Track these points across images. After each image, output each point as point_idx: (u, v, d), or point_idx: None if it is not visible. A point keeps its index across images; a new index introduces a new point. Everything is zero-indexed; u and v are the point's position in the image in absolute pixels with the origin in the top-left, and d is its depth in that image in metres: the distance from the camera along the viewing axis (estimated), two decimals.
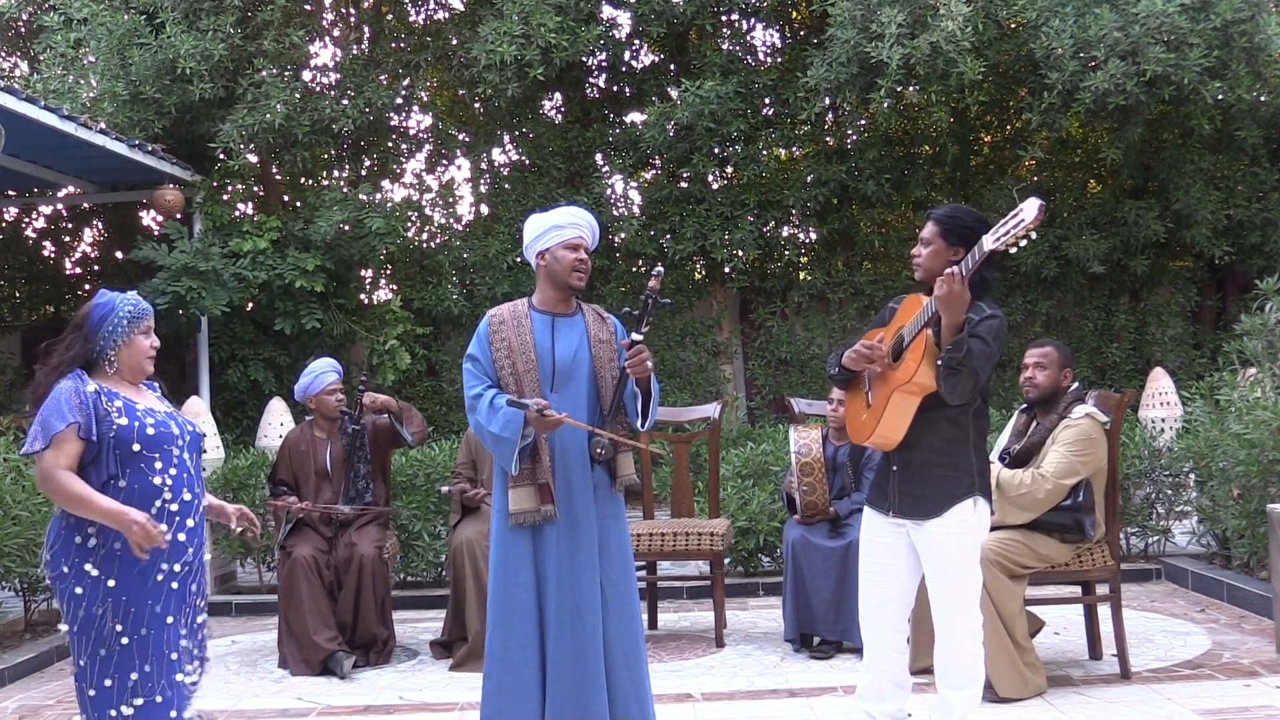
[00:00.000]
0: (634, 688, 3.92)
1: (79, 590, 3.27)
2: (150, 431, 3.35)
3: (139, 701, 3.26)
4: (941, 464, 3.69)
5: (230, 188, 10.87)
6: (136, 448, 3.31)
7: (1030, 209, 3.28)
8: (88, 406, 3.27)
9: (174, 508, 3.36)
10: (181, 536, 3.38)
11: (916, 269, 3.75)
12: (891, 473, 3.78)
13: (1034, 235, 3.34)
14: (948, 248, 3.66)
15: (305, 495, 5.91)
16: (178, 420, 3.48)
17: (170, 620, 3.33)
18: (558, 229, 4.00)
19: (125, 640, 3.26)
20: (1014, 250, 3.39)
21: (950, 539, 3.69)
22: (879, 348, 3.67)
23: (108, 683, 3.25)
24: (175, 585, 3.36)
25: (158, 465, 3.35)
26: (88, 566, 3.26)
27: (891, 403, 3.65)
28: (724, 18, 11.62)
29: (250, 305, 10.54)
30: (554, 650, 3.85)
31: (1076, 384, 4.93)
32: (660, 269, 4.12)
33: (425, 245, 11.71)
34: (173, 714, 3.30)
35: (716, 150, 11.28)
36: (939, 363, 3.52)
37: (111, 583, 3.26)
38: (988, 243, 3.41)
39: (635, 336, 3.93)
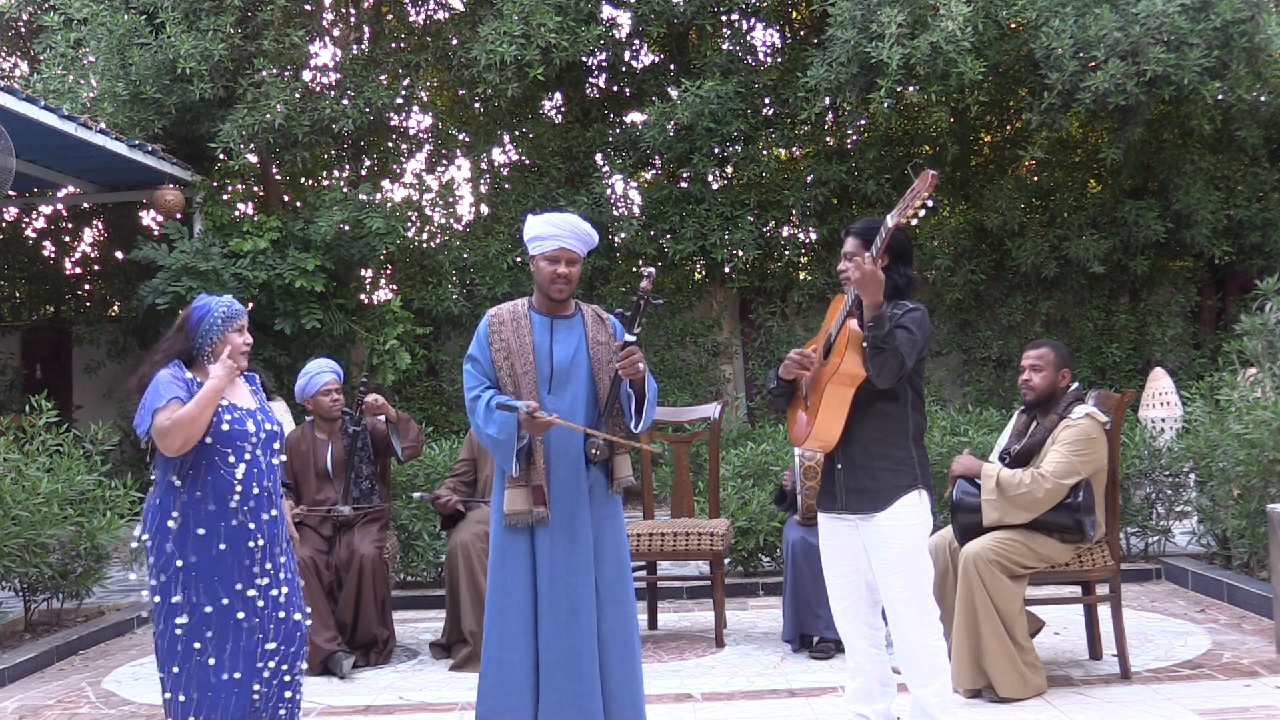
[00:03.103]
0: (628, 688, 3.93)
1: (161, 564, 3.60)
2: (225, 428, 3.63)
3: (211, 660, 3.58)
4: (882, 455, 3.80)
5: (230, 188, 10.88)
6: (208, 441, 3.60)
7: (923, 179, 3.45)
8: (186, 385, 3.63)
9: (238, 500, 3.62)
10: (251, 525, 3.65)
11: (845, 284, 3.87)
12: (836, 471, 3.88)
13: (930, 203, 3.50)
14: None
15: (306, 496, 5.91)
16: (256, 418, 3.75)
17: (239, 590, 3.62)
18: (539, 240, 4.01)
19: (208, 608, 3.58)
20: (914, 220, 3.55)
21: (898, 531, 3.78)
22: (808, 354, 3.83)
23: (190, 646, 3.57)
24: (247, 563, 3.65)
25: (230, 460, 3.63)
26: (168, 546, 3.59)
27: (824, 399, 3.73)
28: (724, 18, 11.62)
29: (250, 305, 10.52)
30: (547, 651, 3.86)
31: (1076, 384, 4.93)
32: (651, 269, 4.14)
33: (425, 245, 11.71)
34: (225, 675, 3.59)
35: (716, 150, 11.28)
36: (864, 344, 3.63)
37: (194, 559, 3.58)
38: (890, 220, 3.57)
39: (628, 338, 3.95)
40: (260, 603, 3.67)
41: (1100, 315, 11.46)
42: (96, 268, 13.27)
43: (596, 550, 3.94)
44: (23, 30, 12.89)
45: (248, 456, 3.67)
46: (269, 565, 3.72)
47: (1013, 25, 9.98)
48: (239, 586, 3.63)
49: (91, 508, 6.55)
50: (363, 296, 11.32)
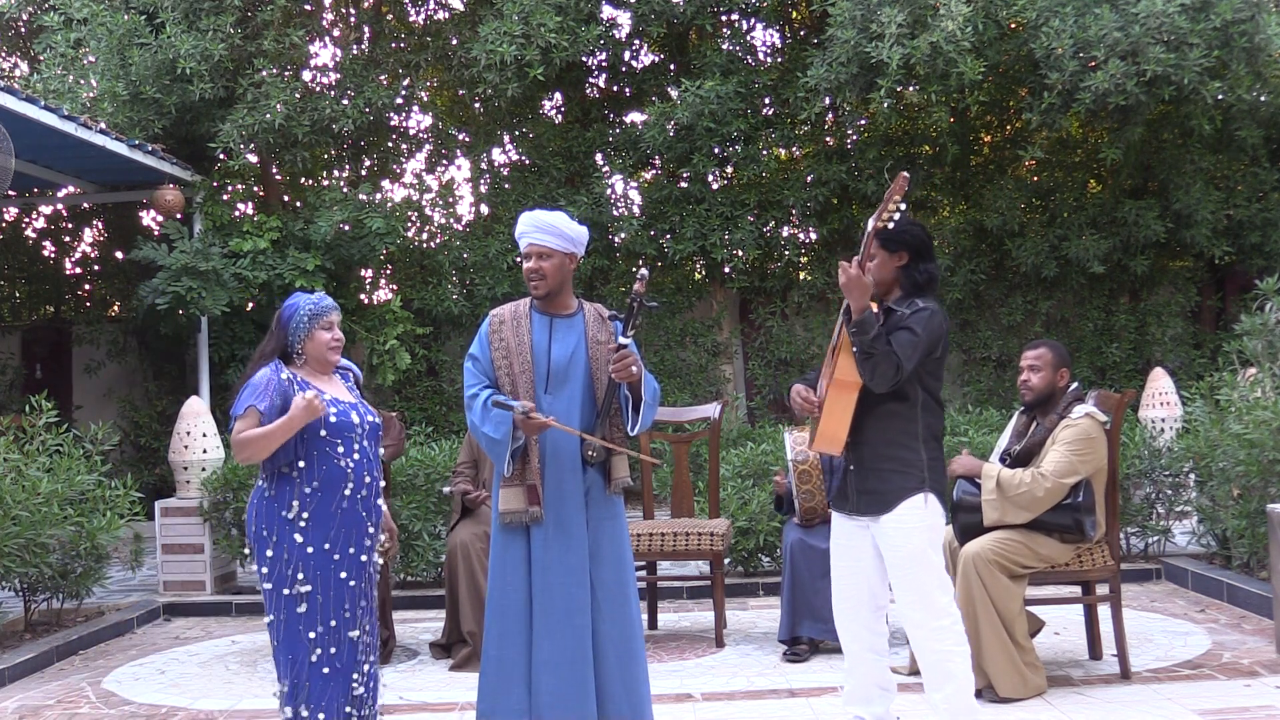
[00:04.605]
0: (626, 689, 3.91)
1: (276, 554, 3.71)
2: (333, 420, 3.76)
3: (318, 653, 3.70)
4: (890, 458, 3.78)
5: (230, 188, 10.87)
6: (323, 434, 3.74)
7: (896, 183, 3.50)
8: (276, 393, 3.72)
9: (351, 489, 3.77)
10: (363, 513, 3.81)
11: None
12: (848, 472, 3.88)
13: (904, 206, 3.53)
14: (890, 256, 3.83)
15: None
16: (359, 410, 3.90)
17: (352, 584, 3.78)
18: (518, 239, 4.04)
19: (310, 602, 3.70)
20: (891, 223, 3.60)
21: (903, 534, 3.76)
22: (810, 396, 3.89)
23: (301, 629, 3.70)
24: (355, 555, 3.80)
25: (340, 450, 3.77)
26: (295, 535, 3.71)
27: (828, 403, 3.74)
28: (724, 18, 11.62)
29: (250, 305, 10.54)
30: (540, 649, 3.87)
31: (1076, 384, 4.93)
32: (645, 272, 4.10)
33: (425, 245, 11.72)
34: (329, 668, 3.73)
35: (716, 150, 11.28)
36: (854, 350, 3.64)
37: (309, 550, 3.70)
38: (870, 224, 3.60)
39: (622, 340, 3.93)
40: (363, 602, 3.81)
41: (1100, 315, 11.45)
42: (96, 268, 13.25)
43: (595, 551, 3.93)
44: (23, 30, 12.89)
45: (356, 448, 3.81)
46: (372, 556, 3.88)
47: (1013, 25, 9.97)
48: (344, 575, 3.75)
49: (91, 508, 6.56)
50: (363, 296, 11.32)
